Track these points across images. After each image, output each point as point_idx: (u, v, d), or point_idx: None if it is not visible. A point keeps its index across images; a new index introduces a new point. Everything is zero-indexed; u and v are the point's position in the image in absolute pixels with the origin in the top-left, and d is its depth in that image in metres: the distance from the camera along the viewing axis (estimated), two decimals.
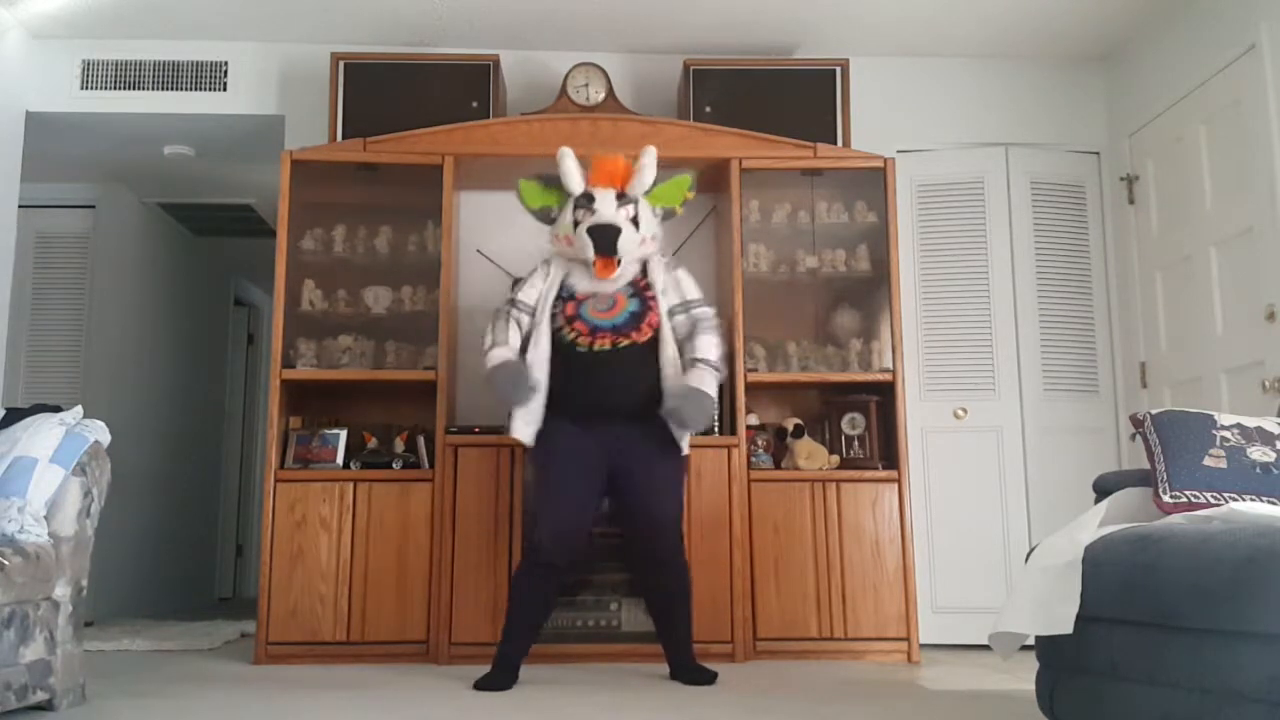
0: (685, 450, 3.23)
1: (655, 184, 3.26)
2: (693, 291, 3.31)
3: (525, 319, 3.28)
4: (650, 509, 3.15)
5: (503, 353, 3.18)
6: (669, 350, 3.19)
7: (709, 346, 3.22)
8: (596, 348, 3.12)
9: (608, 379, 3.13)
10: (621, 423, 3.14)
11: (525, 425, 3.16)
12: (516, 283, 3.43)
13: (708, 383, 3.16)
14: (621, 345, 3.12)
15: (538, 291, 3.28)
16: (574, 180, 3.23)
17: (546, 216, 3.31)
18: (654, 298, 3.21)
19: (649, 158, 3.23)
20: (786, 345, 4.04)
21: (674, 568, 3.19)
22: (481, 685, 3.05)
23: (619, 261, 3.16)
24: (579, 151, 3.31)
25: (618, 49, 4.41)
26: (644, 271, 3.27)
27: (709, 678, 3.15)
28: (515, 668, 3.13)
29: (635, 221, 3.18)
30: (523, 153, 3.87)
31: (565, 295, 3.20)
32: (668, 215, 3.33)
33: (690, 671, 3.17)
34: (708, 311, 3.30)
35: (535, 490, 3.27)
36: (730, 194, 3.95)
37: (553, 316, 3.19)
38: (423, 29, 4.25)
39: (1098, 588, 2.10)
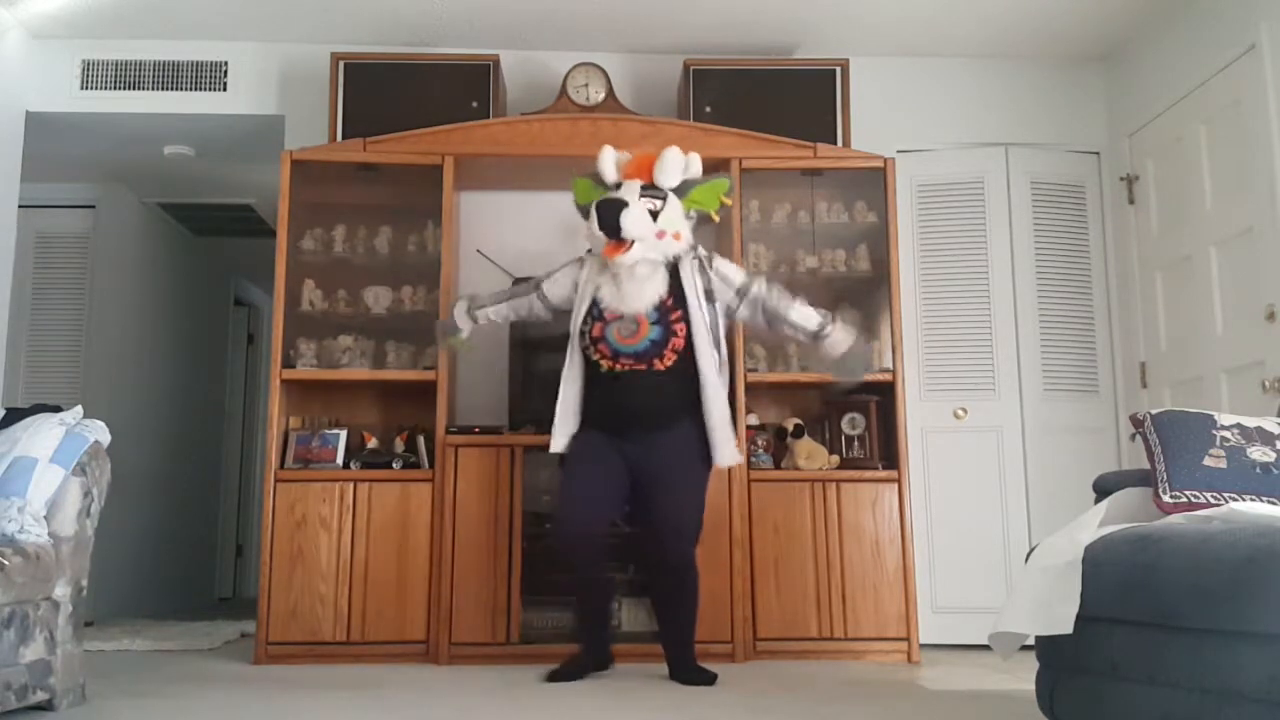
0: (729, 461, 3.20)
1: (692, 186, 3.20)
2: (738, 276, 3.29)
3: (539, 306, 3.37)
4: (666, 514, 3.14)
5: (459, 313, 3.39)
6: (709, 373, 3.14)
7: (807, 315, 3.27)
8: (618, 370, 3.12)
9: (630, 399, 3.13)
10: (646, 432, 3.14)
11: (562, 437, 3.21)
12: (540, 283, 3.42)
13: (843, 342, 3.26)
14: (641, 371, 3.11)
15: (564, 292, 3.30)
16: (608, 172, 3.21)
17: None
18: (680, 320, 3.13)
19: (671, 153, 3.15)
20: (786, 345, 4.03)
21: (684, 574, 3.18)
22: (552, 676, 3.17)
23: (629, 245, 3.07)
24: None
25: (618, 49, 4.40)
26: (671, 286, 3.15)
27: (708, 679, 3.14)
28: (587, 659, 3.22)
29: (655, 214, 3.09)
30: (523, 153, 3.88)
31: (595, 313, 3.17)
32: (704, 219, 3.29)
33: (690, 672, 3.17)
34: (762, 285, 3.29)
35: (558, 494, 3.33)
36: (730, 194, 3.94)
37: (582, 334, 3.20)
38: (423, 29, 4.25)
39: (1098, 588, 2.10)
